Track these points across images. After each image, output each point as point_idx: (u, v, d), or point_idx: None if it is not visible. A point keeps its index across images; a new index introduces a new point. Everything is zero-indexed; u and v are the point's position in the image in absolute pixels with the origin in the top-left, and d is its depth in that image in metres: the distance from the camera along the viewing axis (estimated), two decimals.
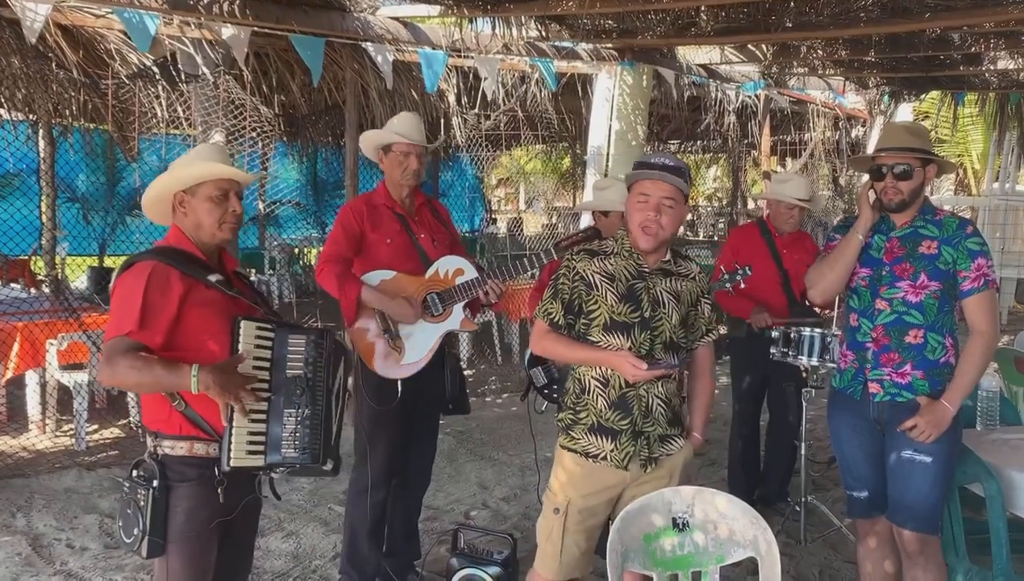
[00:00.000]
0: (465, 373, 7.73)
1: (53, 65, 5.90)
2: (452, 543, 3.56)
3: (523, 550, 3.52)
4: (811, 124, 11.02)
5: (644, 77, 7.04)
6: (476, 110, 7.67)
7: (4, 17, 5.17)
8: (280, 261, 11.88)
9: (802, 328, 4.19)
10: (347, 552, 3.63)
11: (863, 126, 11.70)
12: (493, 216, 20.01)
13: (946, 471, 2.86)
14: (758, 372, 4.60)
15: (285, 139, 11.67)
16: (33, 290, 7.59)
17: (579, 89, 7.82)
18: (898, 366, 2.89)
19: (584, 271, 2.69)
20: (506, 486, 5.12)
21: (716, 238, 19.45)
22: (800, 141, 12.39)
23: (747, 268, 4.15)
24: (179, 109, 6.66)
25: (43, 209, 9.04)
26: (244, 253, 11.60)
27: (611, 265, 2.69)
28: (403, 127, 3.48)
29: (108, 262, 10.98)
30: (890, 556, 3.05)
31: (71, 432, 5.72)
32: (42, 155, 8.89)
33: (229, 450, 2.23)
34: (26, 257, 9.65)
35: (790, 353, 4.21)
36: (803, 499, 4.33)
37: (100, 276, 9.51)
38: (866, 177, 3.05)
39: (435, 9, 6.11)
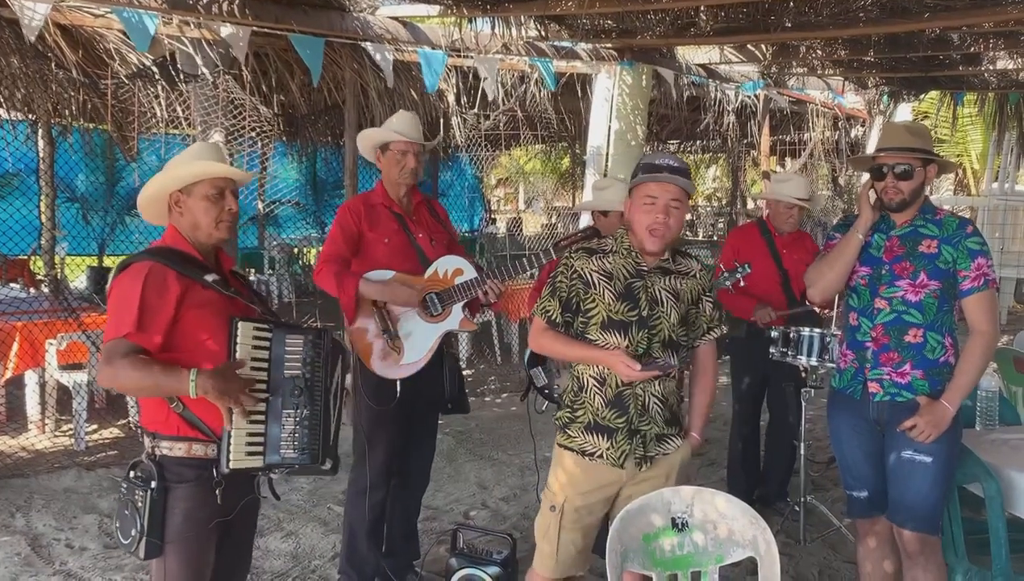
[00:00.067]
0: (464, 373, 7.73)
1: (52, 65, 5.89)
2: (451, 543, 3.56)
3: (522, 550, 3.52)
4: (810, 124, 11.02)
5: (643, 77, 7.04)
6: (475, 110, 7.67)
7: (3, 17, 5.17)
8: (279, 261, 11.87)
9: (801, 328, 4.20)
10: (346, 552, 3.62)
11: (862, 126, 11.70)
12: (492, 216, 20.00)
13: (946, 471, 2.86)
14: (758, 372, 4.60)
15: (284, 139, 11.68)
16: (32, 290, 7.59)
17: (578, 89, 7.81)
18: (898, 365, 2.88)
19: (582, 269, 2.69)
20: (505, 486, 5.12)
21: (716, 238, 19.46)
22: (799, 141, 12.39)
23: (747, 265, 4.16)
24: (178, 109, 6.66)
25: (42, 209, 9.05)
26: (243, 253, 11.60)
27: (609, 263, 2.69)
28: (400, 125, 3.48)
29: (107, 262, 10.99)
30: (890, 556, 3.05)
31: (70, 432, 5.72)
32: (41, 155, 8.89)
33: (228, 452, 2.23)
34: (25, 257, 9.65)
35: (789, 353, 4.22)
36: (802, 499, 4.33)
37: (99, 276, 9.52)
38: (866, 176, 3.05)
39: (434, 9, 6.11)
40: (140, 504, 2.25)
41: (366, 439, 3.47)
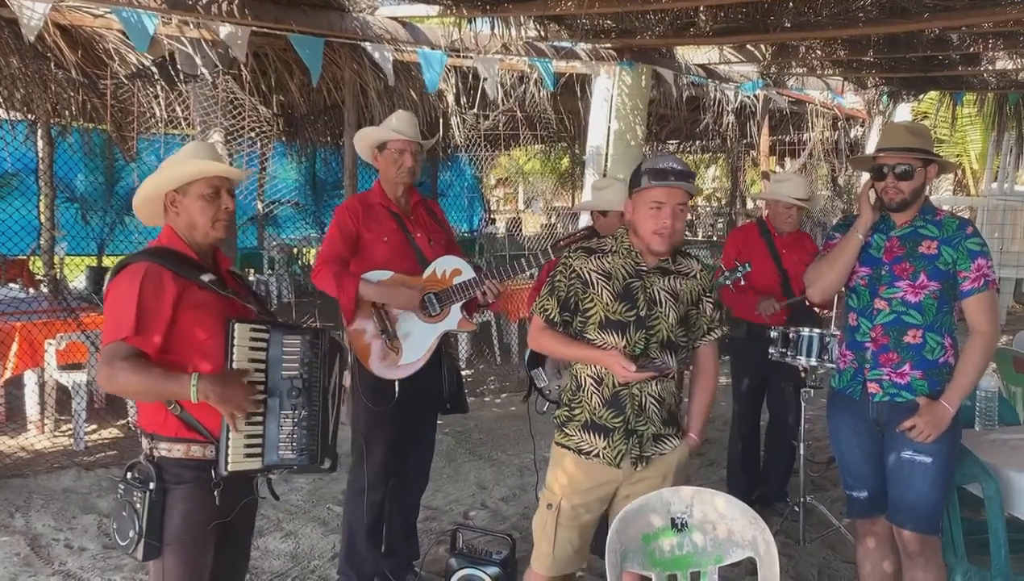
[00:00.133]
0: (464, 373, 7.74)
1: (51, 65, 5.89)
2: (451, 543, 3.56)
3: (522, 550, 3.52)
4: (810, 124, 11.02)
5: (643, 77, 7.04)
6: (475, 110, 7.67)
7: (2, 17, 5.17)
8: (279, 261, 11.86)
9: (801, 328, 4.20)
10: (345, 552, 3.62)
11: (862, 126, 11.70)
12: (492, 216, 19.99)
13: (946, 471, 2.86)
14: (758, 372, 4.60)
15: (284, 139, 11.68)
16: (32, 290, 7.58)
17: (578, 89, 7.81)
18: (897, 366, 2.88)
19: (580, 269, 2.69)
20: (505, 486, 5.12)
21: (715, 238, 19.47)
22: (799, 141, 12.40)
23: (747, 264, 4.17)
24: (178, 109, 6.66)
25: (41, 209, 9.04)
26: (243, 253, 11.59)
27: (608, 263, 2.70)
28: (398, 124, 3.48)
29: (107, 262, 10.98)
30: (889, 556, 3.05)
31: (70, 432, 5.72)
32: (40, 155, 8.89)
33: (226, 454, 2.23)
34: (24, 257, 9.65)
35: (788, 353, 4.22)
36: (802, 499, 4.33)
37: (99, 276, 9.50)
38: (866, 176, 3.05)
39: (434, 9, 6.11)
40: (138, 505, 2.24)
41: (364, 440, 3.46)
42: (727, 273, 4.16)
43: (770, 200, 4.67)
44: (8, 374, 5.58)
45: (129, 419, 5.92)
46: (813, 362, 4.15)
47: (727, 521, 2.42)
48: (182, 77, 5.79)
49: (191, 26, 5.39)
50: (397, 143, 3.46)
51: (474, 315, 3.65)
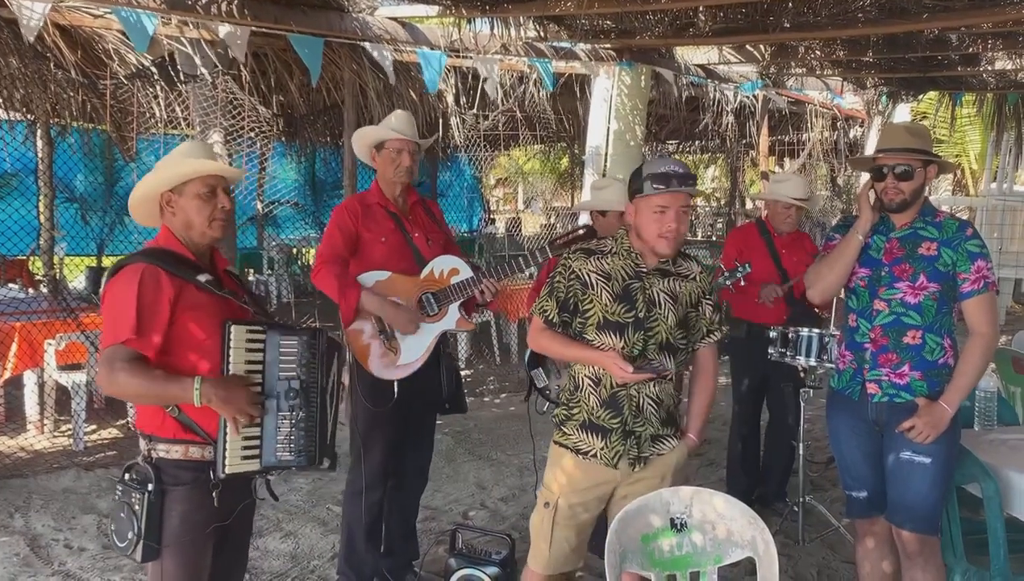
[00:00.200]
0: (464, 373, 7.74)
1: (51, 65, 5.89)
2: (450, 543, 3.57)
3: (521, 550, 3.51)
4: (809, 124, 11.02)
5: (642, 77, 7.04)
6: (474, 110, 7.67)
7: (2, 17, 5.16)
8: (278, 261, 11.86)
9: (800, 328, 4.20)
10: (344, 552, 3.63)
11: (861, 126, 11.70)
12: (491, 216, 19.99)
13: (945, 472, 2.86)
14: (757, 372, 4.60)
15: (283, 139, 11.68)
16: (31, 290, 7.58)
17: (577, 89, 7.82)
18: (896, 367, 2.89)
19: (580, 270, 2.69)
20: (504, 486, 5.12)
21: (714, 238, 19.46)
22: (798, 141, 12.40)
23: (747, 265, 4.18)
24: (177, 109, 6.66)
25: (41, 209, 9.04)
26: (242, 253, 11.58)
27: (608, 264, 2.70)
28: (396, 124, 3.48)
29: (106, 262, 10.98)
30: (888, 556, 3.05)
31: (69, 432, 5.72)
32: (40, 155, 8.89)
33: (224, 456, 2.22)
34: (24, 257, 9.64)
35: (788, 353, 4.23)
36: (801, 499, 4.33)
37: (98, 276, 9.50)
38: (865, 176, 3.05)
39: (433, 9, 6.11)
40: (137, 507, 2.24)
41: (362, 440, 3.46)
42: (727, 274, 4.18)
43: (769, 200, 4.68)
44: (8, 374, 5.58)
45: (128, 419, 5.92)
46: (812, 362, 4.15)
47: (726, 521, 2.42)
48: (182, 77, 5.79)
49: (191, 26, 5.39)
50: (395, 142, 3.46)
51: (472, 314, 3.65)
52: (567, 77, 7.55)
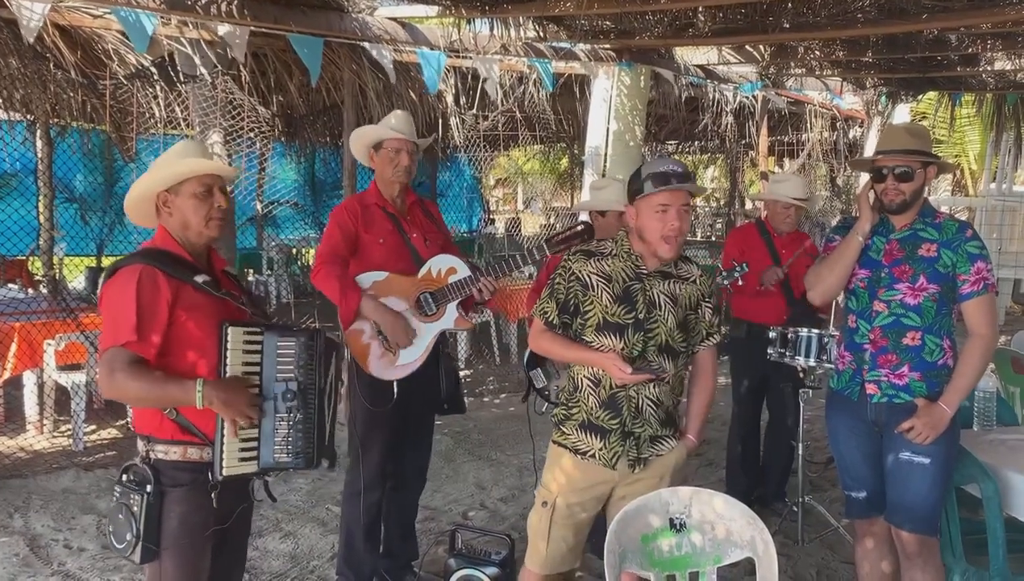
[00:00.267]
0: (463, 373, 7.75)
1: (51, 65, 5.89)
2: (450, 543, 3.56)
3: (520, 551, 3.51)
4: (808, 125, 11.01)
5: (642, 78, 7.04)
6: (474, 110, 7.67)
7: (2, 17, 5.16)
8: (278, 262, 11.85)
9: (800, 329, 4.21)
10: (344, 553, 3.63)
11: (860, 127, 11.70)
12: (491, 216, 19.99)
13: (945, 472, 2.86)
14: (757, 372, 4.60)
15: (283, 139, 11.68)
16: (31, 290, 7.58)
17: (577, 90, 7.82)
18: (895, 367, 2.89)
19: (580, 272, 2.70)
20: (504, 486, 5.12)
21: (714, 238, 19.48)
22: (797, 142, 12.39)
23: (744, 265, 4.19)
24: (177, 109, 6.66)
25: (40, 209, 9.05)
26: (242, 253, 11.57)
27: (608, 266, 2.70)
28: (395, 123, 3.48)
29: (106, 262, 10.97)
30: (887, 556, 3.05)
31: (69, 433, 5.72)
32: (40, 155, 8.89)
33: (221, 458, 2.22)
34: (23, 257, 9.64)
35: (787, 354, 4.23)
36: (800, 499, 4.34)
37: (98, 277, 9.44)
38: (865, 176, 3.05)
39: (433, 10, 6.11)
40: (135, 508, 2.23)
41: (361, 440, 3.46)
42: (724, 273, 4.18)
43: (769, 200, 4.68)
44: (7, 374, 5.58)
45: (128, 420, 5.92)
46: (812, 363, 4.16)
47: (726, 521, 2.42)
48: (181, 77, 5.79)
49: (190, 26, 5.39)
50: (393, 142, 3.46)
51: (471, 313, 3.65)
52: (566, 77, 7.55)
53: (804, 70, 8.53)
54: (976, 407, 3.63)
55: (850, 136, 12.31)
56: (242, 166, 7.72)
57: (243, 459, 2.26)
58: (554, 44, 6.90)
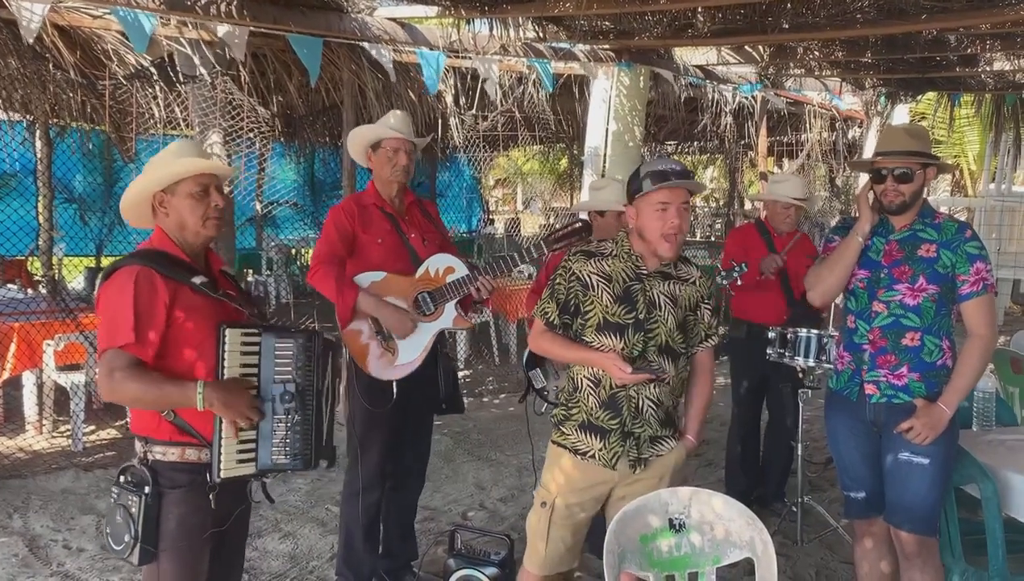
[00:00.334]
0: (463, 374, 7.75)
1: (50, 66, 5.89)
2: (449, 544, 3.56)
3: (520, 551, 3.50)
4: (808, 125, 11.02)
5: (641, 78, 7.04)
6: (473, 111, 7.68)
7: (1, 18, 5.16)
8: (277, 262, 11.85)
9: (799, 329, 4.21)
10: (343, 553, 3.63)
11: (859, 127, 11.72)
12: (491, 217, 20.00)
13: (944, 473, 2.87)
14: (757, 373, 4.60)
15: (283, 140, 11.68)
16: (30, 291, 7.58)
17: (576, 90, 7.82)
18: (894, 368, 2.89)
19: (580, 272, 2.70)
20: (503, 487, 5.12)
21: (713, 239, 19.48)
22: (797, 142, 12.41)
23: (743, 264, 4.19)
24: (176, 110, 6.66)
25: (40, 209, 9.05)
26: (241, 254, 11.58)
27: (609, 266, 2.71)
28: (392, 122, 3.48)
29: (105, 263, 10.97)
30: (886, 556, 3.05)
31: (68, 433, 5.72)
32: (39, 156, 8.90)
33: (219, 460, 2.22)
34: (23, 257, 9.64)
35: (786, 354, 4.23)
36: (800, 500, 4.34)
37: (97, 277, 9.48)
38: (864, 177, 3.05)
39: (432, 10, 6.11)
40: (133, 510, 2.22)
41: (359, 441, 3.46)
42: (723, 273, 4.18)
43: (768, 200, 4.69)
44: (6, 375, 5.58)
45: (127, 420, 5.91)
46: (811, 363, 4.16)
47: (725, 522, 2.43)
48: (181, 78, 5.80)
49: (189, 27, 5.40)
50: (392, 141, 3.46)
51: (469, 313, 3.65)
52: (566, 78, 7.56)
53: (803, 70, 8.53)
54: (975, 407, 3.63)
55: (849, 136, 12.32)
56: (241, 166, 7.72)
57: (241, 461, 2.25)
58: (553, 44, 6.91)
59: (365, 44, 5.99)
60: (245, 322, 2.38)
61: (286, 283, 11.40)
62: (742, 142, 12.84)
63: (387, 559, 3.66)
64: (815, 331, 4.17)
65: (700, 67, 8.33)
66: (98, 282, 2.33)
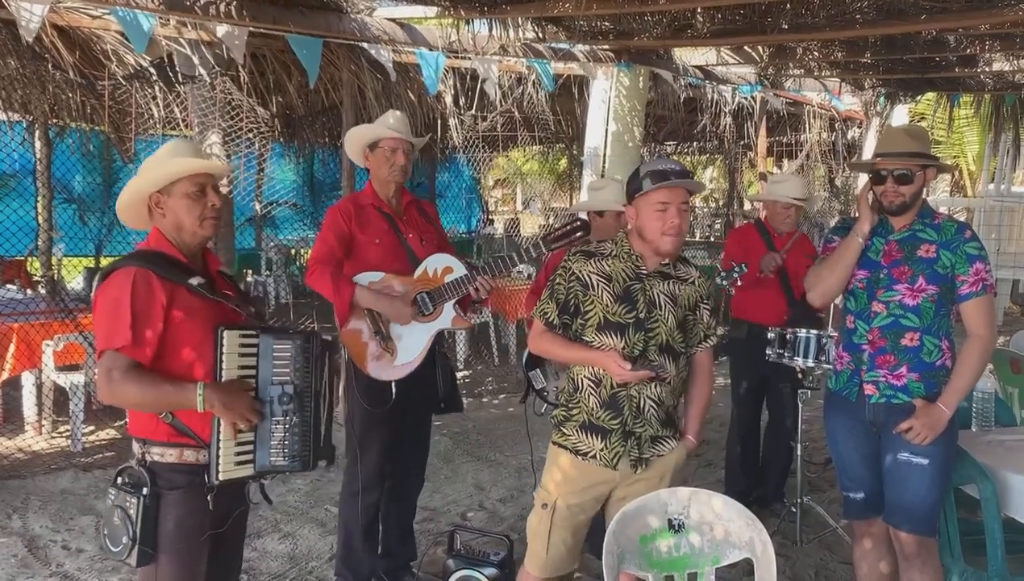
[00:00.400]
0: (462, 374, 7.75)
1: (49, 66, 5.89)
2: (448, 544, 3.56)
3: (519, 551, 3.50)
4: (807, 125, 11.03)
5: (641, 78, 7.04)
6: (473, 111, 7.68)
7: (0, 18, 5.16)
8: (277, 262, 11.86)
9: (798, 329, 4.21)
10: (342, 553, 3.62)
11: (859, 127, 11.72)
12: (490, 217, 19.99)
13: (943, 473, 2.86)
14: (757, 373, 4.60)
15: (282, 140, 11.67)
16: (29, 291, 7.57)
17: (576, 90, 7.82)
18: (894, 368, 2.89)
19: (580, 272, 2.70)
20: (503, 487, 5.12)
21: (712, 239, 19.48)
22: (796, 142, 12.40)
23: (743, 265, 4.19)
24: (176, 110, 6.67)
25: (39, 210, 9.04)
26: (240, 254, 11.56)
27: (608, 266, 2.71)
28: (390, 122, 3.48)
29: (104, 263, 10.97)
30: (886, 557, 3.05)
31: (67, 433, 5.72)
32: (38, 156, 8.89)
33: (218, 461, 2.21)
34: (22, 258, 9.63)
35: (786, 354, 4.23)
36: (799, 500, 4.34)
37: (95, 277, 9.47)
38: (864, 177, 3.05)
39: (432, 10, 6.11)
40: (131, 511, 2.22)
41: (358, 441, 3.46)
42: (723, 274, 4.18)
43: (768, 200, 4.69)
44: (6, 375, 5.57)
45: (126, 420, 5.91)
46: (810, 363, 4.16)
47: (724, 522, 2.43)
48: (180, 78, 5.79)
49: (189, 27, 5.39)
50: (389, 141, 3.45)
51: (468, 313, 3.64)
52: (565, 78, 7.55)
53: (803, 71, 8.54)
54: (974, 408, 3.63)
55: (848, 137, 12.32)
56: (241, 167, 7.73)
57: (240, 462, 2.25)
58: (553, 45, 6.91)
59: (364, 44, 5.98)
60: (243, 323, 2.37)
61: (285, 283, 11.41)
62: (741, 142, 12.84)
63: (386, 559, 3.66)
64: (814, 331, 4.17)
65: (699, 67, 8.33)
66: (95, 284, 2.32)
